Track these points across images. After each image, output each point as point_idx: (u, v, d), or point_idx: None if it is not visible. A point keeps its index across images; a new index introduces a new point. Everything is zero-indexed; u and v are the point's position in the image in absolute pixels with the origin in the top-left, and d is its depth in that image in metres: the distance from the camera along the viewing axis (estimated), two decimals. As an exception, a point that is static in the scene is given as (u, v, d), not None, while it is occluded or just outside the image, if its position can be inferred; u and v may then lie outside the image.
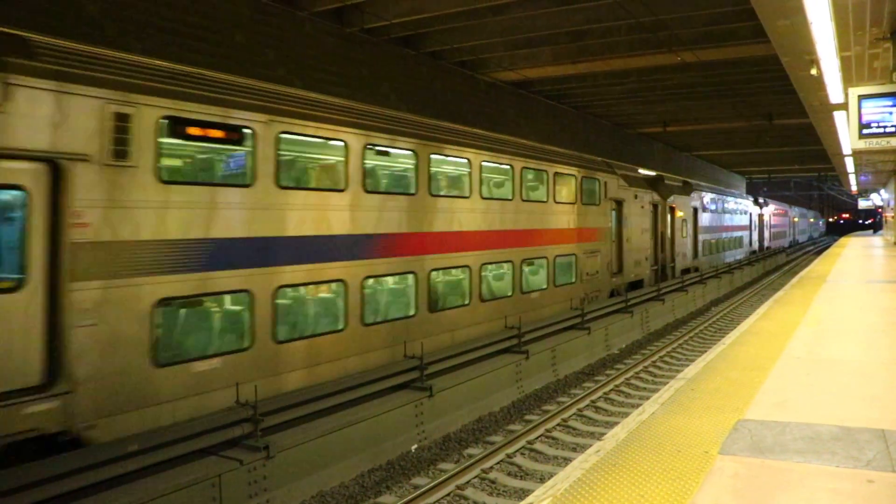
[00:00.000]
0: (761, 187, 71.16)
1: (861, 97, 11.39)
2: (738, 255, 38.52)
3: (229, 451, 7.38)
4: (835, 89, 13.35)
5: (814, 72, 11.83)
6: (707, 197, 31.64)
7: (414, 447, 9.55)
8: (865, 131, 11.29)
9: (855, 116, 11.44)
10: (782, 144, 38.75)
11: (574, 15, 16.24)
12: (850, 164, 30.55)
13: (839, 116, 16.68)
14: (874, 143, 11.56)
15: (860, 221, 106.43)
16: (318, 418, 8.51)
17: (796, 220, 68.92)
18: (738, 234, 39.57)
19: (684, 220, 26.93)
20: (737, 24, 16.42)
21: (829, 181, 72.10)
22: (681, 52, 17.91)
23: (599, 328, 15.79)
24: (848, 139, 15.66)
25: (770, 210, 50.74)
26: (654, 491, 4.61)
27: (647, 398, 8.72)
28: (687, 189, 28.37)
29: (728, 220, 36.50)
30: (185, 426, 7.25)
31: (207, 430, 7.28)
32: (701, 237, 30.04)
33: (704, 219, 30.83)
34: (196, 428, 7.23)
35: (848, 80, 12.42)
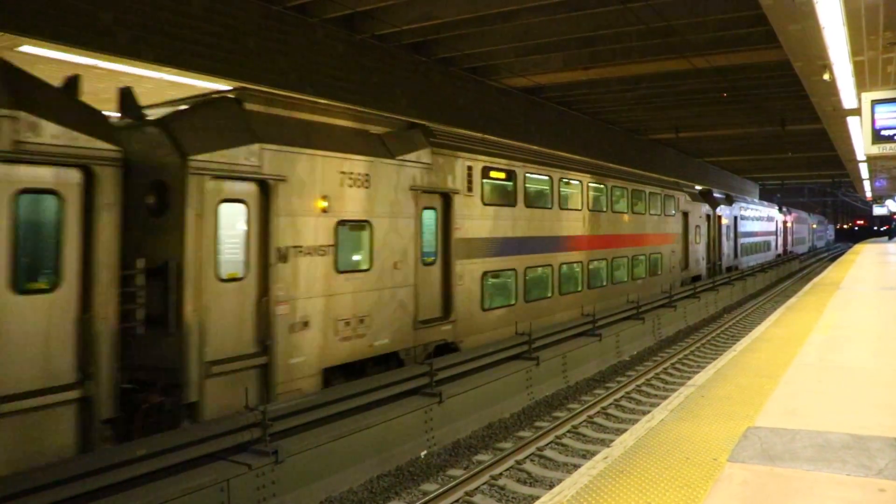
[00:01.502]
0: (775, 193, 70.61)
1: (874, 102, 11.35)
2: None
3: (238, 456, 7.40)
4: (848, 94, 13.27)
5: (826, 77, 11.76)
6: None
7: (423, 453, 9.53)
8: (883, 133, 11.26)
9: (868, 121, 11.40)
10: (795, 150, 38.46)
11: (585, 21, 16.19)
12: (863, 169, 30.32)
13: (852, 121, 16.57)
14: (888, 149, 11.49)
15: (875, 228, 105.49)
16: (327, 423, 8.52)
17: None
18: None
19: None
20: (749, 30, 16.33)
21: (843, 187, 71.60)
22: (692, 58, 17.83)
23: (610, 335, 15.72)
24: (861, 144, 15.55)
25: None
26: (661, 498, 4.57)
27: (658, 405, 8.67)
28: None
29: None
30: (194, 430, 7.28)
31: (216, 434, 7.30)
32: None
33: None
34: (205, 432, 7.25)
35: (861, 84, 12.33)
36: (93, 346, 7.11)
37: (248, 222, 9.02)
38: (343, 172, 10.34)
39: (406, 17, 15.29)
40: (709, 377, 8.03)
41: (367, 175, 10.78)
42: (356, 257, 10.77)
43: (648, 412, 7.91)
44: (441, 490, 8.21)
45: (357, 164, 10.61)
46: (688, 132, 31.89)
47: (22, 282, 6.74)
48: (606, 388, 13.61)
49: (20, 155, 6.57)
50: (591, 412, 11.65)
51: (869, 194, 49.21)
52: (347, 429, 8.52)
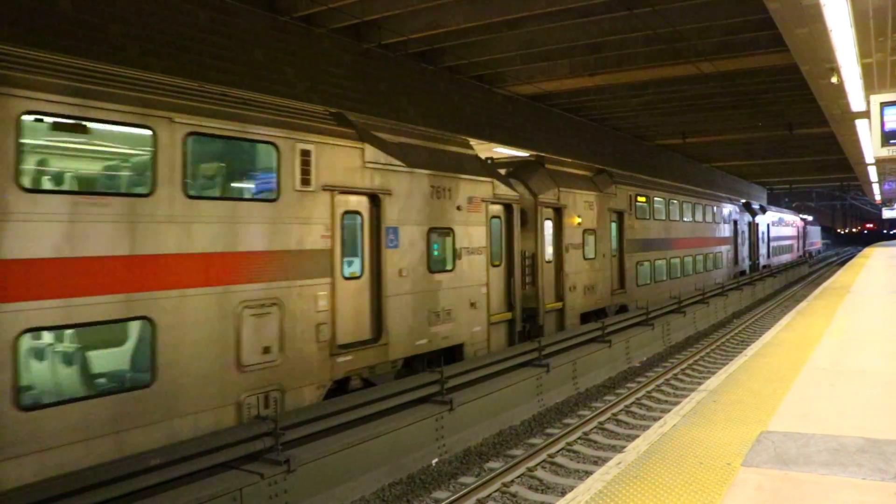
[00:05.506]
0: (782, 198, 70.30)
1: (883, 104, 11.30)
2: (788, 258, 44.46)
3: (250, 465, 7.40)
4: (856, 97, 13.24)
5: (834, 80, 11.75)
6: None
7: (435, 461, 9.52)
8: (892, 136, 11.21)
9: (877, 124, 11.34)
10: (803, 154, 38.33)
11: (590, 27, 16.23)
12: (873, 173, 30.21)
13: (861, 125, 16.52)
14: (898, 152, 11.44)
15: (885, 231, 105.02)
16: (338, 432, 8.52)
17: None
18: (786, 244, 40.78)
19: None
20: (755, 34, 16.33)
21: (853, 191, 71.27)
22: (699, 63, 17.83)
23: (620, 341, 15.68)
24: (871, 147, 15.50)
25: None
26: (676, 503, 4.56)
27: (669, 410, 8.64)
28: None
29: (780, 231, 44.48)
30: (206, 439, 7.29)
31: (229, 443, 7.32)
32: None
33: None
34: (217, 441, 7.27)
35: (870, 87, 12.30)
36: (513, 294, 13.90)
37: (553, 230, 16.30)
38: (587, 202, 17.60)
39: (412, 25, 15.35)
40: (720, 382, 8.00)
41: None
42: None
43: (660, 418, 7.89)
44: (453, 498, 8.20)
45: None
46: (695, 137, 31.86)
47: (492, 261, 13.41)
48: (617, 394, 13.57)
49: (495, 199, 13.42)
50: (602, 418, 11.62)
51: (878, 197, 48.97)
52: (359, 437, 8.52)
